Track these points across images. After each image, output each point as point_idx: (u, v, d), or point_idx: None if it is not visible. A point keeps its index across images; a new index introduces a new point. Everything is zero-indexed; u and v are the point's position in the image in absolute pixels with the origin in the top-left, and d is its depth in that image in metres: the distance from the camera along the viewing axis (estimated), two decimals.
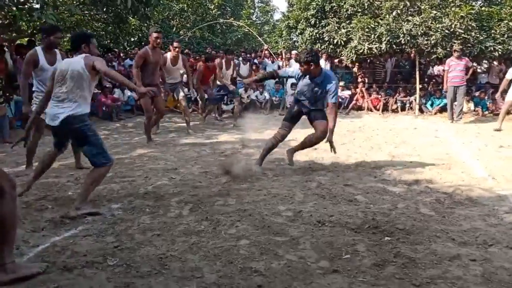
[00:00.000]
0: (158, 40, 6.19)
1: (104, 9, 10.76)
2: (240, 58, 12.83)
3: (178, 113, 9.98)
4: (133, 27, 15.30)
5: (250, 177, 4.47)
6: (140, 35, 16.00)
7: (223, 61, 8.68)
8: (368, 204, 3.56)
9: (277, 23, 22.26)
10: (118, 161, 5.41)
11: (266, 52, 12.78)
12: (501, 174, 4.54)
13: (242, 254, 2.59)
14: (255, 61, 12.94)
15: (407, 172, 4.67)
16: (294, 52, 12.93)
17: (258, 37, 15.13)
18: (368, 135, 7.44)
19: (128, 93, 10.74)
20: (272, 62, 12.37)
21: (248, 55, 13.50)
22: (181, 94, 7.58)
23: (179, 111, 9.66)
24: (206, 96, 10.56)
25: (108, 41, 15.50)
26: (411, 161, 5.22)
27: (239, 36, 19.61)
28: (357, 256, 2.57)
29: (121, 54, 13.76)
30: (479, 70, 11.95)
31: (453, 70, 9.19)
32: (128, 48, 15.85)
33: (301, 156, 5.62)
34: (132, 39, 16.51)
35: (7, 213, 2.15)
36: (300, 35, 13.56)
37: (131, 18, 12.94)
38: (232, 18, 20.03)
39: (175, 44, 7.40)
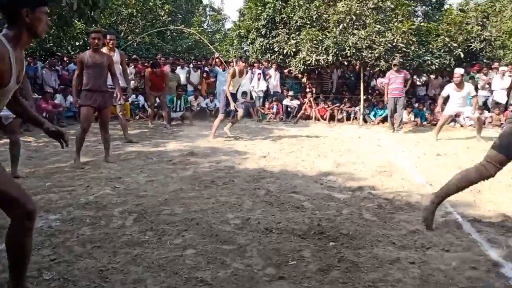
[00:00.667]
0: (96, 41, 5.40)
1: (48, 11, 10.26)
2: (191, 66, 12.74)
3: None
4: (78, 30, 14.72)
5: (198, 184, 4.42)
6: (85, 39, 15.42)
7: (237, 68, 7.81)
8: (314, 211, 3.63)
9: (228, 32, 22.35)
10: (57, 169, 5.15)
11: (217, 60, 12.78)
12: (438, 180, 4.79)
13: (188, 264, 2.53)
14: (206, 68, 12.89)
15: (351, 179, 4.82)
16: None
17: (209, 45, 15.12)
18: (315, 144, 7.62)
19: (70, 98, 10.28)
20: (223, 70, 12.39)
21: (199, 63, 13.43)
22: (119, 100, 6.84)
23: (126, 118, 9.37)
24: (157, 103, 10.37)
25: (51, 44, 14.80)
26: (355, 169, 5.40)
27: (189, 43, 19.47)
28: (303, 262, 2.59)
29: (65, 59, 13.16)
30: (418, 83, 12.68)
31: (393, 83, 9.70)
32: (72, 53, 15.20)
33: (251, 164, 5.65)
34: (77, 43, 15.87)
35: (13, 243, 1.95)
36: (251, 45, 13.71)
37: (76, 22, 12.44)
38: (183, 25, 19.87)
39: (108, 37, 6.88)
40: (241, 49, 15.01)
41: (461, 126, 10.58)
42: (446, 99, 8.40)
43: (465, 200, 4.00)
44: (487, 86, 11.45)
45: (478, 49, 14.69)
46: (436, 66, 10.98)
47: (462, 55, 11.57)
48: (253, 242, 2.89)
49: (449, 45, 11.09)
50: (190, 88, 12.19)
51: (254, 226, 3.21)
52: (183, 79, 12.09)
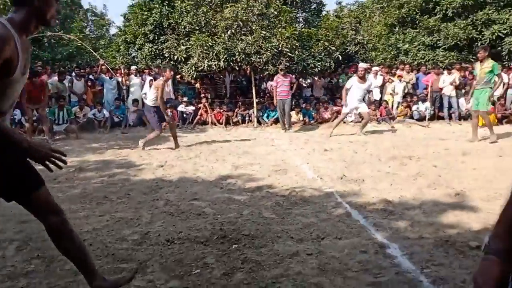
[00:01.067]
0: None
1: None
2: (73, 74, 11.85)
3: None
4: None
5: (90, 202, 4.12)
6: None
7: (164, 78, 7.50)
8: (216, 215, 3.63)
9: (114, 38, 21.28)
10: None
11: (103, 67, 12.08)
12: (327, 174, 5.18)
13: None
14: (91, 77, 12.09)
15: (250, 180, 4.94)
16: (133, 67, 12.53)
17: (92, 51, 14.20)
18: (213, 148, 7.65)
19: None
20: (110, 78, 11.74)
21: (82, 71, 12.55)
22: None
23: None
24: (36, 116, 9.44)
25: None
26: (253, 170, 5.55)
27: (70, 50, 18.06)
28: (207, 269, 2.57)
29: None
30: (304, 85, 13.49)
31: (281, 86, 10.25)
32: None
33: (148, 174, 5.44)
34: None
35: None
36: (139, 51, 13.23)
37: None
38: (62, 31, 18.35)
39: None
40: (129, 55, 14.40)
41: (344, 123, 11.51)
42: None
43: (352, 190, 4.37)
44: None
45: (354, 51, 16.29)
46: (319, 69, 11.83)
47: (340, 58, 12.65)
48: (154, 256, 2.78)
49: (328, 48, 12.03)
50: (74, 98, 11.29)
51: (154, 240, 3.09)
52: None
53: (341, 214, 3.58)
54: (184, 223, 3.46)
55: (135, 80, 11.84)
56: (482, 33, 12.81)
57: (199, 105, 12.08)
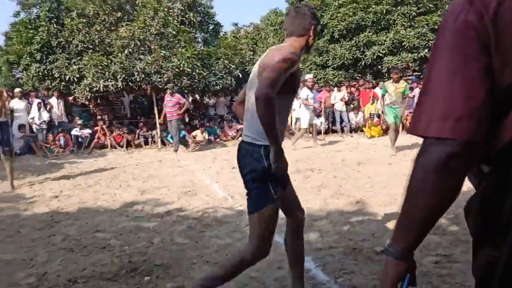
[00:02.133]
0: None
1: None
2: None
3: None
4: None
5: None
6: None
7: None
8: (123, 247, 3.38)
9: None
10: None
11: None
12: (237, 192, 5.18)
13: None
14: None
15: (158, 205, 4.73)
16: (18, 90, 11.35)
17: None
18: (115, 173, 7.20)
19: None
20: None
21: None
22: None
23: None
24: None
25: None
26: (160, 194, 5.33)
27: None
28: None
29: None
30: (209, 104, 13.53)
31: (168, 106, 9.87)
32: None
33: (41, 208, 4.90)
34: None
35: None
36: (24, 71, 12.06)
37: None
38: None
39: None
40: (12, 76, 13.05)
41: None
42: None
43: None
44: None
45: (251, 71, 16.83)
46: (220, 86, 12.00)
47: (240, 76, 12.99)
48: None
49: (228, 66, 12.28)
50: None
51: (54, 281, 2.76)
52: None
53: None
54: (87, 259, 3.16)
55: (20, 104, 10.72)
56: (365, 53, 14.22)
57: (96, 128, 11.35)
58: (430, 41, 13.32)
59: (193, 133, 11.50)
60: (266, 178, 1.92)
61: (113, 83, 10.39)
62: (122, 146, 11.14)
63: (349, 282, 2.53)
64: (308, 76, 9.91)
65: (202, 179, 6.32)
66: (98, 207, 4.81)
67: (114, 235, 3.70)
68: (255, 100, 1.78)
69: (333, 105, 12.15)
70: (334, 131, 12.31)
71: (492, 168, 0.86)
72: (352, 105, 12.41)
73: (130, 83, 10.78)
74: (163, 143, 11.41)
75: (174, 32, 11.45)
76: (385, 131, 11.49)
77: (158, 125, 11.31)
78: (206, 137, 11.65)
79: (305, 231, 3.51)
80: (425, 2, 13.66)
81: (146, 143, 11.62)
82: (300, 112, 9.62)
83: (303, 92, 9.28)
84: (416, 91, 11.90)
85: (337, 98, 12.08)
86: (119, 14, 12.02)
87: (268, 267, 2.82)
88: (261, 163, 1.91)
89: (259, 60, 2.03)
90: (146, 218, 4.25)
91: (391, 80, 7.85)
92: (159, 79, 10.58)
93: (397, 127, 7.96)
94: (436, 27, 13.32)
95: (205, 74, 11.49)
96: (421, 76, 13.24)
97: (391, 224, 3.58)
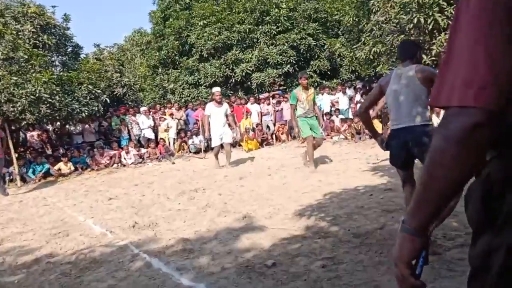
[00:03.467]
0: None
1: None
2: None
3: None
4: None
5: None
6: None
7: None
8: None
9: None
10: None
11: None
12: (117, 225, 4.78)
13: None
14: None
15: (23, 254, 4.07)
16: None
17: None
18: None
19: None
20: None
21: None
22: None
23: None
24: None
25: None
26: (25, 240, 4.62)
27: None
28: None
29: None
30: (74, 132, 12.36)
31: None
32: None
33: None
34: None
35: None
36: None
37: None
38: None
39: None
40: None
41: (124, 165, 11.05)
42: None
43: (147, 237, 4.15)
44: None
45: (122, 93, 16.07)
46: (86, 113, 11.13)
47: (108, 101, 12.23)
48: None
49: (93, 92, 11.47)
50: None
51: None
52: None
53: (140, 267, 3.32)
54: None
55: None
56: (234, 71, 14.72)
57: None
58: (291, 57, 14.42)
59: (57, 166, 10.39)
60: None
61: None
62: None
63: None
64: (216, 89, 8.55)
65: (73, 216, 5.68)
66: None
67: None
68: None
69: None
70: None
71: (498, 152, 0.83)
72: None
73: None
74: (24, 180, 10.04)
75: (26, 56, 10.26)
76: (261, 144, 11.99)
77: (15, 160, 9.93)
78: (72, 168, 10.62)
79: (195, 255, 3.40)
80: (283, 21, 14.76)
81: (3, 181, 10.07)
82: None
83: (207, 110, 8.43)
84: (284, 105, 12.74)
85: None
86: None
87: None
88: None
89: (410, 73, 2.89)
90: (8, 272, 3.61)
91: (300, 87, 6.98)
92: (11, 109, 9.32)
93: (317, 139, 7.06)
94: (294, 44, 14.51)
95: (67, 101, 10.52)
96: (287, 90, 14.24)
97: (277, 235, 3.67)
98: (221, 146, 8.51)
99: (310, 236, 3.53)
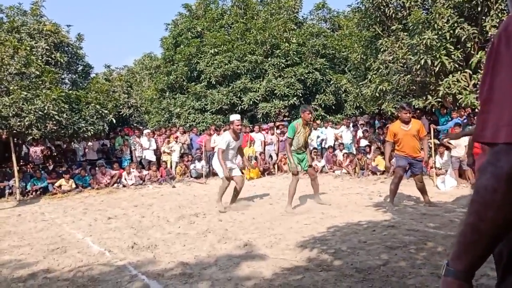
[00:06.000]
0: None
1: None
2: None
3: None
4: None
5: None
6: None
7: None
8: None
9: None
10: None
11: None
12: (115, 245, 4.73)
13: None
14: None
15: (19, 268, 4.01)
16: None
17: None
18: None
19: None
20: None
21: None
22: None
23: None
24: None
25: None
26: (21, 254, 4.56)
27: None
28: None
29: None
30: (78, 148, 12.41)
31: None
32: None
33: None
34: None
35: None
36: None
37: None
38: None
39: None
40: None
41: (124, 186, 11.01)
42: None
43: (146, 258, 4.10)
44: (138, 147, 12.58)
45: (128, 114, 16.23)
46: (92, 132, 11.20)
47: (114, 121, 12.33)
48: None
49: (100, 112, 11.58)
50: None
51: None
52: None
53: None
54: None
55: None
56: (241, 99, 14.89)
57: None
58: (298, 90, 14.61)
59: (58, 183, 10.36)
60: None
61: None
62: None
63: None
64: (236, 117, 6.94)
65: (72, 233, 5.63)
66: None
67: None
68: None
69: (213, 148, 12.26)
70: (215, 174, 12.34)
71: None
72: None
73: None
74: (23, 194, 10.00)
75: (37, 72, 10.44)
76: (263, 173, 11.97)
77: (16, 174, 9.92)
78: (73, 185, 10.59)
79: (195, 280, 3.34)
80: (292, 55, 15.06)
81: (2, 195, 10.04)
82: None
83: (222, 142, 6.82)
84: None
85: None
86: None
87: None
88: None
89: None
90: (4, 284, 3.56)
91: (300, 121, 6.39)
92: (18, 123, 9.39)
93: (309, 170, 6.62)
94: (302, 77, 14.74)
95: (74, 119, 10.62)
96: (291, 121, 14.35)
97: (278, 265, 3.62)
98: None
99: (312, 268, 3.48)
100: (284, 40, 15.30)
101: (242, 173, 7.23)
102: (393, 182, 6.21)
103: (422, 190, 6.20)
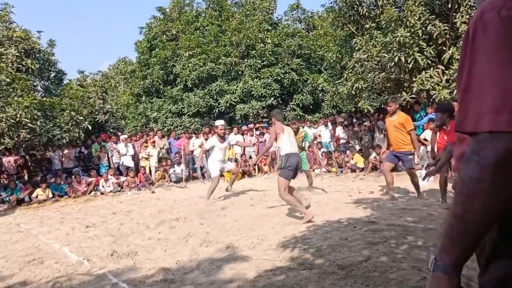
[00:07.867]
0: None
1: None
2: None
3: None
4: None
5: None
6: None
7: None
8: None
9: None
10: None
11: None
12: (94, 253, 4.62)
13: None
14: None
15: None
16: None
17: None
18: None
19: None
20: None
21: None
22: None
23: None
24: None
25: None
26: None
27: None
28: None
29: None
30: (54, 158, 12.07)
31: None
32: None
33: None
34: None
35: None
36: None
37: None
38: None
39: None
40: None
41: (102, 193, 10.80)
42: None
43: (126, 266, 4.01)
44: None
45: (104, 120, 15.93)
46: (67, 140, 10.95)
47: (90, 127, 12.09)
48: None
49: (75, 118, 11.34)
50: None
51: None
52: None
53: None
54: None
55: None
56: (218, 101, 14.84)
57: None
58: (275, 90, 14.66)
59: (35, 193, 10.07)
60: None
61: None
62: None
63: None
64: (220, 122, 8.06)
65: (49, 243, 5.47)
66: None
67: None
68: None
69: (192, 151, 12.17)
70: (195, 178, 12.26)
71: None
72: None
73: None
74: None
75: (8, 80, 10.15)
76: (243, 175, 11.94)
77: None
78: (50, 195, 10.31)
79: (177, 286, 3.30)
80: (268, 56, 15.10)
81: None
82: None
83: (208, 143, 8.11)
84: (267, 137, 12.80)
85: (196, 144, 12.17)
86: None
87: None
88: None
89: None
90: None
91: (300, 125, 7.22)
92: None
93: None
94: (278, 78, 14.79)
95: (48, 126, 10.35)
96: (270, 122, 14.37)
97: (261, 266, 3.60)
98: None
99: (295, 267, 3.48)
100: (260, 40, 15.34)
101: (223, 175, 7.99)
102: (385, 177, 6.59)
103: (415, 186, 6.40)
